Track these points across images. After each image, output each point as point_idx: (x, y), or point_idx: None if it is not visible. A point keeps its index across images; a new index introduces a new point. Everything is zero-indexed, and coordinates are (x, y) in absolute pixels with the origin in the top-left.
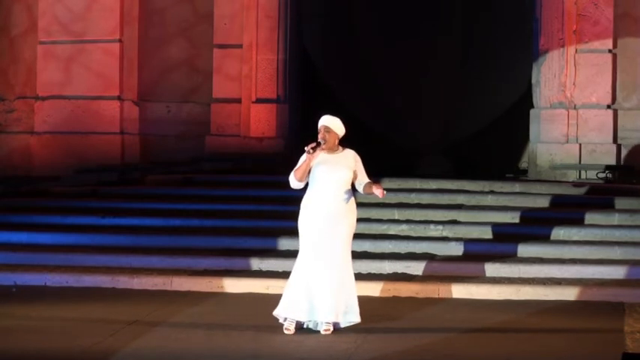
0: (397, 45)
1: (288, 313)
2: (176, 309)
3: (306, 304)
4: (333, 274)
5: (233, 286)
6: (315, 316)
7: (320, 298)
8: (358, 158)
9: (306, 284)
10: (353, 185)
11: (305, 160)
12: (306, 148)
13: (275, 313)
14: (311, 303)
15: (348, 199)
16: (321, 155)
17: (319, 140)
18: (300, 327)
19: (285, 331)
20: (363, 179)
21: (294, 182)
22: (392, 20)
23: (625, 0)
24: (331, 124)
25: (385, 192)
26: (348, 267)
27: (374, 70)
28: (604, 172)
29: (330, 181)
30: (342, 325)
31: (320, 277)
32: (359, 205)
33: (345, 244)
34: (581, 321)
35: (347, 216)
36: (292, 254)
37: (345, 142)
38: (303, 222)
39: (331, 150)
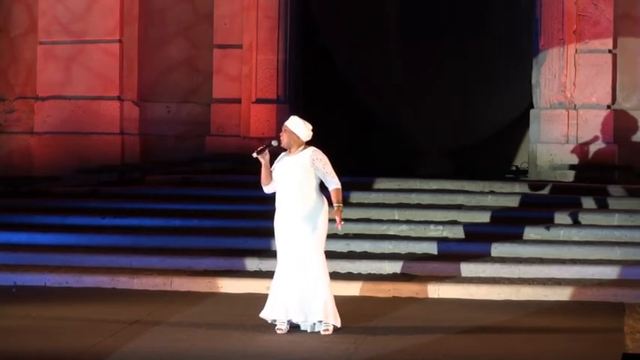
0: (403, 47)
1: (268, 315)
2: (176, 309)
3: (282, 304)
4: (302, 277)
5: (233, 286)
6: (291, 316)
7: (291, 298)
8: (319, 156)
9: (280, 285)
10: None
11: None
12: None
13: (260, 314)
14: (287, 303)
15: (311, 200)
16: (281, 156)
17: (272, 141)
18: (296, 327)
19: (278, 331)
20: (327, 179)
21: (264, 187)
22: (397, 22)
23: (625, 0)
24: (289, 123)
25: (342, 224)
26: (319, 267)
27: (378, 70)
28: (603, 172)
29: (285, 183)
30: (316, 329)
31: (289, 279)
32: (359, 205)
33: (314, 246)
34: (580, 321)
35: (312, 217)
36: None
37: (346, 143)
38: (274, 224)
39: (292, 151)
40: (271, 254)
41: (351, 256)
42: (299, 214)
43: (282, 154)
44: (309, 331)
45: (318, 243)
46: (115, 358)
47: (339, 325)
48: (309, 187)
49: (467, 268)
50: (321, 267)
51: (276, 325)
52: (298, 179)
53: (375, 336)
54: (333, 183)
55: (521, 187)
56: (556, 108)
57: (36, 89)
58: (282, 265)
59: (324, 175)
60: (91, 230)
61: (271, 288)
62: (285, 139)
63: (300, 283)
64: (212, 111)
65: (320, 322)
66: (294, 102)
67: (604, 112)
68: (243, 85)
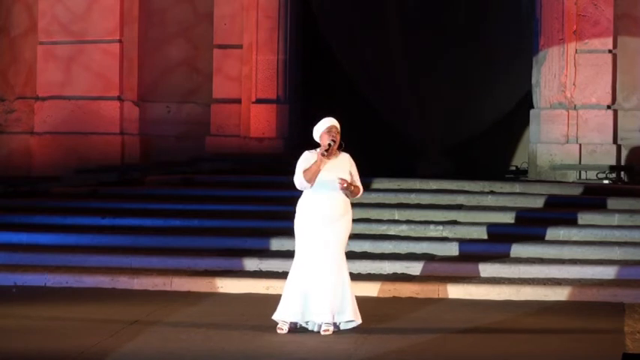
0: (404, 44)
1: (284, 316)
2: (176, 309)
3: (301, 305)
4: (329, 276)
5: (233, 286)
6: (310, 317)
7: (316, 300)
8: (353, 162)
9: (302, 286)
10: None
11: (316, 163)
12: (319, 152)
13: (274, 317)
14: (307, 304)
15: (344, 202)
16: (314, 157)
17: (329, 142)
18: (294, 328)
19: (278, 331)
20: (357, 184)
21: (304, 183)
22: (398, 20)
23: (625, 0)
24: (337, 124)
25: (345, 185)
26: (344, 268)
27: (376, 69)
28: (604, 172)
29: (329, 184)
30: (342, 328)
31: (316, 279)
32: (359, 205)
33: (341, 246)
34: (580, 321)
35: (344, 218)
36: (292, 254)
37: (346, 143)
38: (301, 224)
39: (332, 153)
40: (271, 254)
41: (350, 256)
42: (337, 215)
43: (312, 155)
44: (316, 330)
45: (345, 244)
46: (115, 358)
47: (360, 321)
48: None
49: (467, 268)
50: (346, 267)
51: (281, 331)
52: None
53: (375, 336)
54: (361, 187)
55: (521, 188)
56: (556, 108)
57: (36, 89)
58: (304, 264)
59: (355, 180)
60: (91, 230)
61: (287, 288)
62: (338, 140)
63: (330, 284)
64: (212, 111)
65: (350, 321)
66: (294, 102)
67: (604, 112)
68: (243, 85)
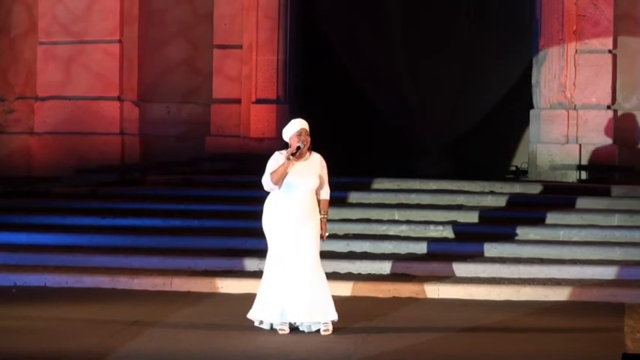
0: (401, 43)
1: (261, 316)
2: (176, 309)
3: (279, 307)
4: (307, 275)
5: (233, 286)
6: (291, 318)
7: (295, 299)
8: (324, 164)
9: (280, 286)
10: None
11: (283, 165)
12: (286, 154)
13: (249, 315)
14: (285, 304)
15: (313, 203)
16: (285, 159)
17: (299, 145)
18: (295, 328)
19: (280, 332)
20: (324, 187)
21: (270, 185)
22: (388, 16)
23: (625, 0)
24: (306, 126)
25: (326, 237)
26: (320, 267)
27: (377, 68)
28: (604, 172)
29: (299, 187)
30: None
31: (295, 280)
32: (359, 205)
33: (316, 245)
34: (580, 321)
35: (313, 218)
36: None
37: (346, 143)
38: (273, 225)
39: (303, 155)
40: None
41: (351, 256)
42: (310, 217)
43: (282, 156)
44: (306, 331)
45: (319, 242)
46: (115, 359)
47: (337, 318)
48: (315, 192)
49: (467, 269)
50: (321, 265)
51: (261, 324)
52: (314, 184)
53: (375, 336)
54: (328, 193)
55: (522, 188)
56: (556, 108)
57: (36, 89)
58: (280, 266)
59: (323, 182)
60: (90, 230)
61: (263, 288)
62: (308, 142)
63: (309, 284)
64: (212, 111)
65: (332, 320)
66: (294, 102)
67: (604, 113)
68: (243, 85)
